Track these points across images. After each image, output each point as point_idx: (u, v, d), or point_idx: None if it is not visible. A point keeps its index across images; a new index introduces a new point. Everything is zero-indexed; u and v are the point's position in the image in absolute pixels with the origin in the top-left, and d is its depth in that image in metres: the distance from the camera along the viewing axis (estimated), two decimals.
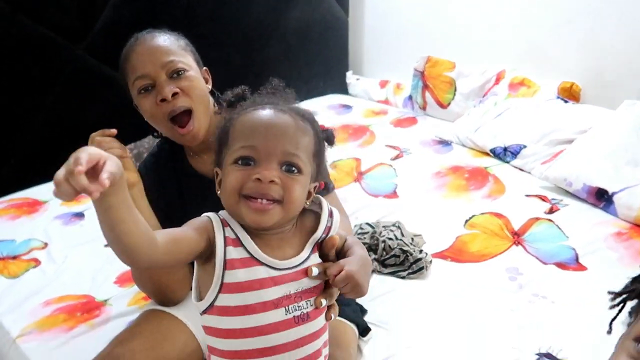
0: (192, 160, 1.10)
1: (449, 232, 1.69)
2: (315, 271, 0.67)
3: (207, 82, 1.07)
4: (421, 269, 1.48)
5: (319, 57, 3.02)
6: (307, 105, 2.73)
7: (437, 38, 2.79)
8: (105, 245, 1.64)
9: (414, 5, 2.85)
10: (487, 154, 2.24)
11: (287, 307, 0.65)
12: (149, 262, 0.64)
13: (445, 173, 2.11)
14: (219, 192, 0.69)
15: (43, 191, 2.03)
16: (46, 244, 1.70)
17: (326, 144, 0.74)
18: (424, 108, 2.76)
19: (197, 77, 0.97)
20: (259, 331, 0.65)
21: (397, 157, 2.27)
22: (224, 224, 0.67)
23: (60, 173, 0.52)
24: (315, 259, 0.71)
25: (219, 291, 0.66)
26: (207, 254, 0.67)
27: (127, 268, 1.51)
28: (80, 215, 1.88)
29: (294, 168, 0.65)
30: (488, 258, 1.54)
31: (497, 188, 1.96)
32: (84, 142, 2.19)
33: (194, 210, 0.75)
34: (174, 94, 0.95)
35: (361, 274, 0.67)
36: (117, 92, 2.17)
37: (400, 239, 1.62)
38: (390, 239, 1.61)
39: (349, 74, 3.20)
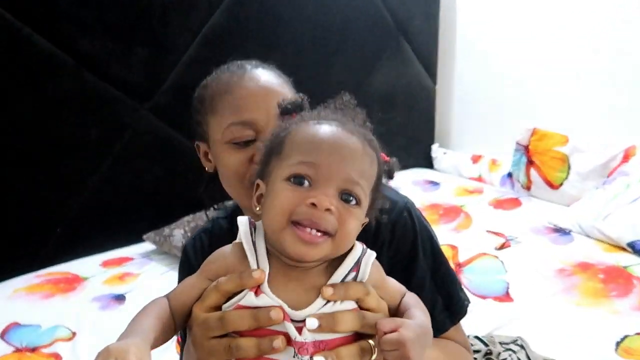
0: None
1: (595, 358, 1.23)
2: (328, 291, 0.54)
3: None
4: None
5: (402, 127, 2.74)
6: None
7: (543, 107, 2.45)
8: None
9: (514, 71, 2.55)
10: (623, 249, 1.78)
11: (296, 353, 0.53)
12: None
13: (572, 271, 1.68)
14: (257, 208, 0.59)
15: (87, 265, 1.81)
16: (74, 334, 1.42)
17: (387, 177, 0.64)
18: (528, 188, 2.35)
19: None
20: None
21: (503, 247, 1.87)
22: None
23: None
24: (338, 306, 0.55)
25: None
26: None
27: None
28: (120, 298, 1.60)
29: (352, 198, 0.56)
30: None
31: None
32: (143, 208, 1.98)
33: None
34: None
35: (416, 346, 0.52)
36: (179, 156, 2.03)
37: None
38: None
39: (434, 146, 2.91)
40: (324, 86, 2.39)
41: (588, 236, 1.90)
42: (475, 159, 2.68)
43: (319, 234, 0.53)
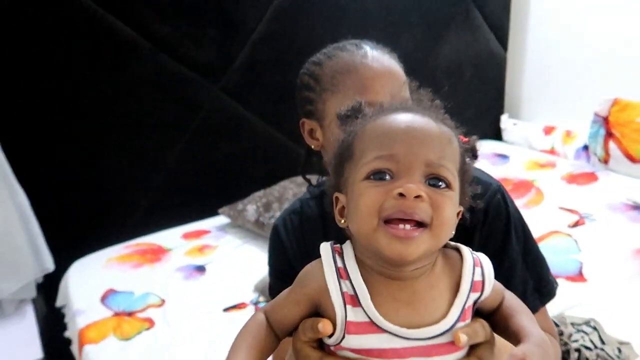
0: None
1: None
2: (464, 339, 0.49)
3: None
4: None
5: (471, 98, 2.67)
6: None
7: (625, 76, 2.28)
8: (225, 310, 1.45)
9: (592, 37, 2.40)
10: None
11: None
12: None
13: None
14: (341, 222, 0.55)
15: (169, 237, 1.94)
16: (163, 301, 1.55)
17: (470, 157, 0.58)
18: (605, 161, 2.24)
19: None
20: None
21: (576, 224, 1.81)
22: (340, 273, 0.51)
23: None
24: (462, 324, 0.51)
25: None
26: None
27: None
28: (201, 269, 1.72)
29: (441, 182, 0.50)
30: None
31: None
32: (218, 183, 2.08)
33: None
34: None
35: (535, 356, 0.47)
36: (250, 133, 2.11)
37: (602, 349, 1.19)
38: (587, 347, 1.20)
39: (504, 117, 2.83)
40: None
41: None
42: (548, 130, 2.57)
43: (413, 228, 0.48)
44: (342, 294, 0.50)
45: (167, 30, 1.84)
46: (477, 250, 0.57)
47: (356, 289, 0.50)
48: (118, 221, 1.95)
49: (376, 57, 0.78)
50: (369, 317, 0.49)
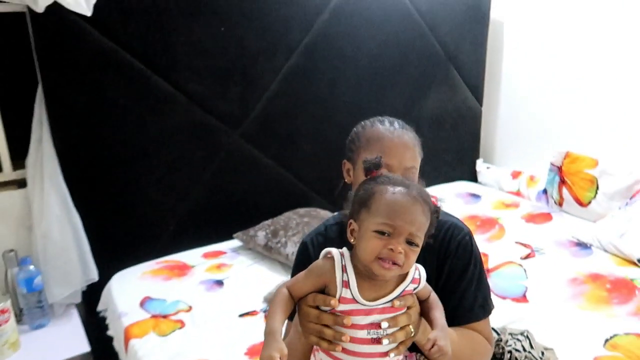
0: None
1: (586, 351, 1.56)
2: (384, 325, 0.86)
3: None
4: None
5: (450, 145, 3.06)
6: (435, 191, 2.87)
7: (577, 132, 2.68)
8: (240, 315, 1.81)
9: (552, 98, 2.79)
10: (635, 264, 2.06)
11: (368, 330, 0.85)
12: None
13: (584, 280, 1.97)
14: (352, 240, 0.88)
15: (192, 256, 2.29)
16: (190, 307, 1.90)
17: (436, 214, 0.92)
18: (560, 204, 2.62)
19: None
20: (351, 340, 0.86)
21: (528, 257, 2.17)
22: (343, 269, 0.86)
23: None
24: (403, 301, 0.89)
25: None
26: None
27: (257, 341, 1.64)
28: (220, 283, 2.07)
29: (413, 244, 0.85)
30: None
31: None
32: (233, 212, 2.46)
33: None
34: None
35: (447, 344, 0.84)
36: (262, 172, 2.51)
37: (529, 352, 1.52)
38: (517, 350, 1.53)
39: (479, 161, 3.19)
40: (379, 111, 2.78)
41: (606, 251, 2.15)
42: (515, 174, 2.94)
43: (393, 265, 0.83)
44: (342, 281, 0.86)
45: (199, 87, 2.24)
46: (447, 272, 1.05)
47: (350, 280, 0.86)
48: (151, 242, 2.30)
49: (399, 133, 1.09)
50: (353, 296, 0.85)
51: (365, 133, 1.13)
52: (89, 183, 2.12)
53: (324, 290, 0.89)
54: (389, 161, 1.04)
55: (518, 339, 1.59)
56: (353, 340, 0.85)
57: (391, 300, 0.87)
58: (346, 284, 0.86)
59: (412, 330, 0.88)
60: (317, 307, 0.88)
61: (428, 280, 0.93)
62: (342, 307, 0.85)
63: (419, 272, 0.91)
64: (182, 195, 2.34)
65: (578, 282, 1.96)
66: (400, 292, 0.88)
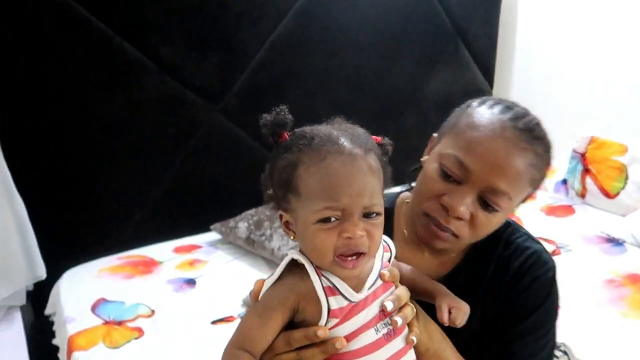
0: None
1: None
2: (389, 305, 0.68)
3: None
4: None
5: None
6: None
7: (602, 115, 2.42)
8: (213, 322, 1.50)
9: (573, 77, 2.53)
10: None
11: (376, 327, 0.67)
12: None
13: (622, 282, 1.70)
14: (291, 237, 0.69)
15: (161, 251, 1.99)
16: (153, 312, 1.60)
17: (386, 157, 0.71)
18: (582, 195, 2.35)
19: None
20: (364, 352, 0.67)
21: (553, 254, 1.88)
22: (318, 272, 0.66)
23: None
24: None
25: None
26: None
27: None
28: (191, 282, 1.77)
29: (374, 214, 0.65)
30: None
31: None
32: (211, 201, 2.14)
33: None
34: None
35: (460, 301, 0.71)
36: (245, 154, 2.19)
37: None
38: None
39: None
40: (382, 91, 2.50)
41: None
42: None
43: (357, 257, 0.63)
44: (324, 289, 0.65)
45: (172, 53, 1.94)
46: (510, 307, 0.83)
47: (332, 280, 0.65)
48: (112, 234, 2.00)
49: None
50: (345, 296, 0.65)
51: (467, 121, 0.83)
52: (36, 164, 1.81)
53: (294, 320, 0.66)
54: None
55: (555, 355, 1.30)
56: (367, 349, 0.66)
57: (378, 276, 0.70)
58: (330, 290, 0.65)
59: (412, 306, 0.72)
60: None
61: (477, 305, 0.78)
62: (333, 322, 0.65)
63: (383, 240, 0.73)
64: (150, 180, 2.04)
65: (616, 283, 1.69)
66: (381, 265, 0.71)
